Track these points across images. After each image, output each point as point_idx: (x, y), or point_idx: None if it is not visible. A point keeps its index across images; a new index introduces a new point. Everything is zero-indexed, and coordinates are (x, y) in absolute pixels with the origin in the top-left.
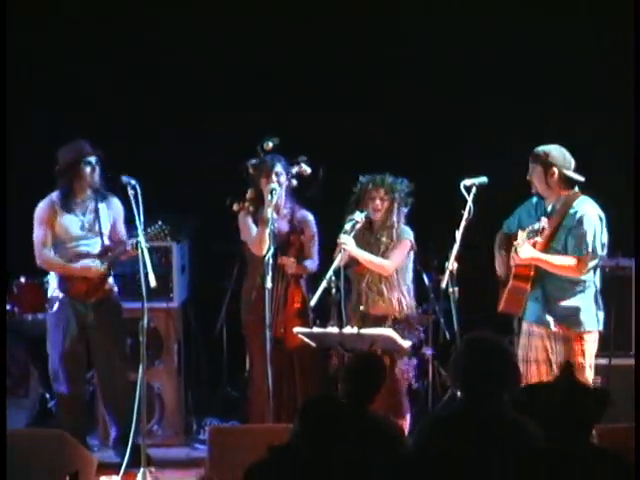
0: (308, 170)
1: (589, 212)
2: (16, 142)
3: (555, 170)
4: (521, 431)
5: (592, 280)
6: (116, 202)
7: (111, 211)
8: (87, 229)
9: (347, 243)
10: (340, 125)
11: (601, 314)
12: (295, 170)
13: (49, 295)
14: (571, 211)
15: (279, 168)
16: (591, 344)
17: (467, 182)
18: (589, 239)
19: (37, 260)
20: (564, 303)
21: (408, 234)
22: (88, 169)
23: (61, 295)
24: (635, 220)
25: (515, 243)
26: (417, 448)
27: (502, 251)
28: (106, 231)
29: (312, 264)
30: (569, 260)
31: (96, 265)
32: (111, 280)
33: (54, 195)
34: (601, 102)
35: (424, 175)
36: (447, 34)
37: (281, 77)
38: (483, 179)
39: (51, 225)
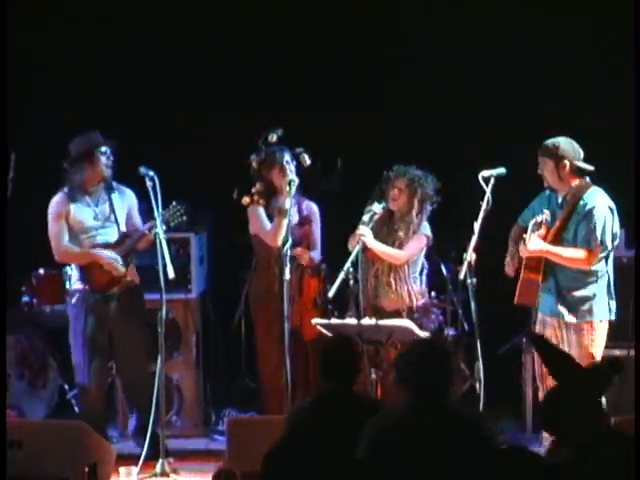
0: (308, 161)
1: (599, 203)
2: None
3: (566, 162)
4: (475, 427)
5: (604, 270)
6: (129, 193)
7: (125, 201)
8: (102, 219)
9: (365, 234)
10: (342, 124)
11: (613, 304)
12: (295, 162)
13: (70, 287)
14: (581, 202)
15: (289, 158)
16: (601, 333)
17: (485, 173)
18: (598, 231)
19: (56, 256)
20: (576, 293)
21: (425, 229)
22: (103, 158)
23: (81, 286)
24: (635, 215)
25: (525, 236)
26: (370, 452)
27: (514, 244)
28: (122, 219)
29: (317, 255)
30: (578, 252)
31: (116, 258)
32: (134, 270)
33: (65, 189)
34: (601, 102)
35: (442, 166)
36: (447, 34)
37: (286, 75)
38: (501, 170)
39: (65, 218)
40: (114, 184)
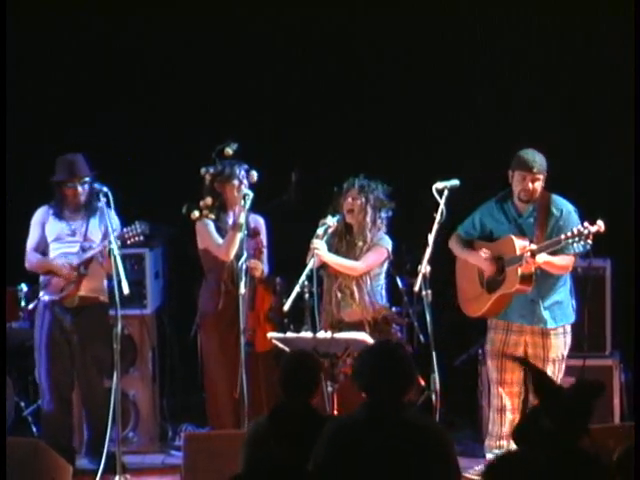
0: (255, 176)
1: (570, 210)
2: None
3: (546, 174)
4: (428, 433)
5: (568, 274)
6: (111, 216)
7: (103, 223)
8: (70, 233)
9: (319, 247)
10: (312, 130)
11: (574, 304)
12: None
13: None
14: (553, 211)
15: (244, 172)
16: (569, 335)
17: (439, 185)
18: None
19: (25, 263)
20: (553, 299)
21: (387, 243)
22: (70, 192)
23: (43, 296)
24: (635, 221)
25: (529, 247)
26: (324, 457)
27: (470, 251)
28: (95, 238)
29: (266, 267)
30: (569, 259)
31: (70, 262)
32: (99, 286)
33: (53, 202)
34: (601, 101)
35: (396, 178)
36: (425, 36)
37: (246, 81)
38: (455, 182)
39: (42, 229)
40: (100, 205)
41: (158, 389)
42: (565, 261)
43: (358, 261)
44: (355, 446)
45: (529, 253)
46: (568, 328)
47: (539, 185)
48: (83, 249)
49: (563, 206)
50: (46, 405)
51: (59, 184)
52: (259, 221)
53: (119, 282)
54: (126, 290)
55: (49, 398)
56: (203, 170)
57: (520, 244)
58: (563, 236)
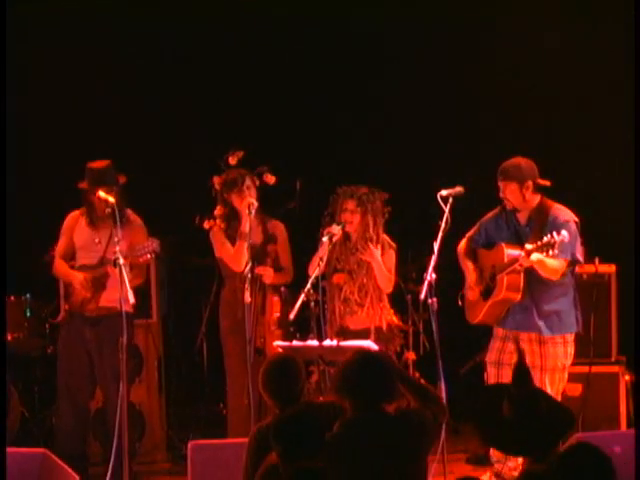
0: (272, 179)
1: (568, 218)
2: None
3: (530, 182)
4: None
5: (570, 282)
6: (137, 224)
7: (128, 231)
8: (96, 242)
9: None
10: (317, 139)
11: (579, 315)
12: (259, 181)
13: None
14: (550, 217)
15: (249, 182)
16: (572, 345)
17: (444, 193)
18: (570, 244)
19: (52, 269)
20: (550, 307)
21: (390, 244)
22: (96, 200)
23: (67, 306)
24: (636, 226)
25: (527, 247)
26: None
27: (466, 263)
28: (119, 247)
29: (288, 273)
30: (561, 263)
31: (86, 278)
32: (119, 296)
33: (83, 208)
34: (601, 101)
35: (401, 186)
36: (429, 45)
37: (251, 91)
38: (459, 190)
39: (70, 235)
40: (128, 212)
41: (164, 399)
42: (556, 264)
43: (389, 275)
44: (348, 446)
45: (523, 253)
46: (569, 338)
47: (513, 195)
48: (101, 262)
49: (561, 215)
50: (60, 413)
51: (86, 192)
52: (279, 228)
53: (125, 291)
54: (132, 299)
55: (64, 406)
56: (214, 178)
57: (508, 253)
58: (534, 245)
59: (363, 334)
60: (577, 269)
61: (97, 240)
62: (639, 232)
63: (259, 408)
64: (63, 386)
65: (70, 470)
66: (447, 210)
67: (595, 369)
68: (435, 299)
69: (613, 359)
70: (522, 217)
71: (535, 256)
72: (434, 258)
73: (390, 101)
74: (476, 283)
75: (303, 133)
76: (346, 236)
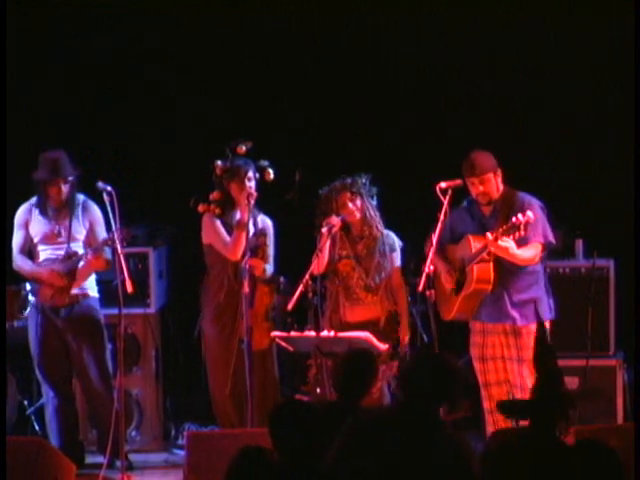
0: (272, 176)
1: (533, 202)
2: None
3: (499, 171)
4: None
5: (541, 270)
6: (93, 209)
7: (87, 218)
8: (57, 234)
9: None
10: (315, 131)
11: (552, 302)
12: (259, 175)
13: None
14: (515, 206)
15: (251, 173)
16: (548, 334)
17: (443, 185)
18: (540, 225)
19: (12, 264)
20: (523, 296)
21: (397, 244)
22: (54, 191)
23: (33, 299)
24: (635, 221)
25: (489, 235)
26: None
27: (446, 260)
28: (80, 236)
29: (270, 268)
30: (532, 250)
31: (58, 271)
32: (86, 284)
33: (34, 199)
34: (601, 102)
35: (400, 177)
36: (426, 34)
37: (254, 82)
38: (458, 182)
39: (26, 228)
40: (81, 199)
41: (161, 388)
42: (528, 253)
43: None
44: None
45: (491, 237)
46: (545, 326)
47: (491, 185)
48: (69, 255)
49: (527, 201)
50: (51, 401)
51: (43, 182)
52: (267, 222)
53: (123, 281)
54: (130, 289)
55: (53, 394)
56: (217, 162)
57: (475, 243)
58: (501, 229)
59: (361, 327)
60: (575, 264)
61: (56, 231)
62: (638, 226)
63: (245, 397)
64: (44, 376)
65: (67, 459)
66: (446, 202)
67: (592, 362)
68: (433, 291)
69: (611, 353)
70: (486, 209)
71: (504, 242)
72: (432, 250)
73: (388, 92)
74: (446, 280)
75: (302, 123)
76: (347, 226)
